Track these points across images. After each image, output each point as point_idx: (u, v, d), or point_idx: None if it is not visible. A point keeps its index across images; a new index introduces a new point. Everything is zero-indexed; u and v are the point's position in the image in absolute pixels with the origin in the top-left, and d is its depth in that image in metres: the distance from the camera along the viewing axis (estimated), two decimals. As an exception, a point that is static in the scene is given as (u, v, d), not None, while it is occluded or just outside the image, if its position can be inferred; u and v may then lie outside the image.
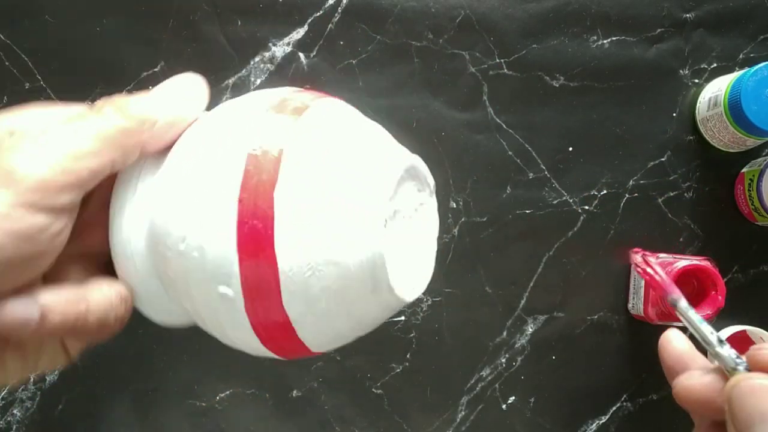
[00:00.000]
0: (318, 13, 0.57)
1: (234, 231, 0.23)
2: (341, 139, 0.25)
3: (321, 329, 0.25)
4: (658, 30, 0.58)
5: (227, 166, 0.24)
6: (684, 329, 0.35)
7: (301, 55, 0.57)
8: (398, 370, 0.58)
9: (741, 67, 0.59)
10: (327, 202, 0.24)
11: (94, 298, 0.26)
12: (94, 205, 0.28)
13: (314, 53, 0.57)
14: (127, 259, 0.27)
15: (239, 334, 0.25)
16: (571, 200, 0.58)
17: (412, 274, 0.27)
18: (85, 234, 0.28)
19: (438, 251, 0.29)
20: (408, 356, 0.58)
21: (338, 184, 0.24)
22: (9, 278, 0.23)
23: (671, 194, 0.59)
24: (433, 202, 0.28)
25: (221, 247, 0.24)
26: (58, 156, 0.24)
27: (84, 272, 0.28)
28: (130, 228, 0.27)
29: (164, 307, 0.28)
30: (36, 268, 0.24)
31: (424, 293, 0.57)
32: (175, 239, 0.25)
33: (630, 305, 0.58)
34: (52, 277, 0.27)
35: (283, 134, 0.24)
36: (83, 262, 0.29)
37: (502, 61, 0.58)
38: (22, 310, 0.24)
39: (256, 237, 0.23)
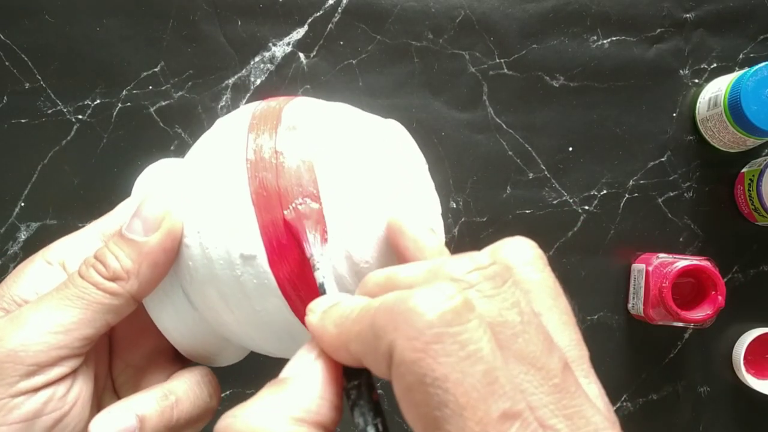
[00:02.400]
0: (318, 13, 0.57)
1: (246, 190, 0.24)
2: (327, 118, 0.26)
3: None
4: (658, 30, 0.58)
5: (230, 151, 0.25)
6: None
7: (301, 55, 0.57)
8: (398, 370, 0.58)
9: (741, 67, 0.59)
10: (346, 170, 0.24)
11: (180, 388, 0.26)
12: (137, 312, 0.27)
13: (314, 53, 0.57)
14: None
15: (267, 302, 0.24)
16: (571, 200, 0.58)
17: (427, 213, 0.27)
18: (142, 337, 0.29)
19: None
20: (408, 356, 0.58)
21: (336, 156, 0.25)
22: None
23: (671, 194, 0.59)
24: (412, 141, 0.29)
25: (237, 208, 0.24)
26: (46, 334, 0.23)
27: (161, 372, 0.29)
28: None
29: (192, 328, 0.27)
30: (66, 426, 0.25)
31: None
32: (192, 227, 0.25)
33: (630, 305, 0.58)
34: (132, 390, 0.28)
35: (273, 138, 0.25)
36: (155, 362, 0.29)
37: (502, 61, 0.58)
38: (121, 422, 0.24)
39: (267, 188, 0.24)
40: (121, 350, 0.29)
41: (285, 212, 0.23)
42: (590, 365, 0.19)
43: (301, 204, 0.23)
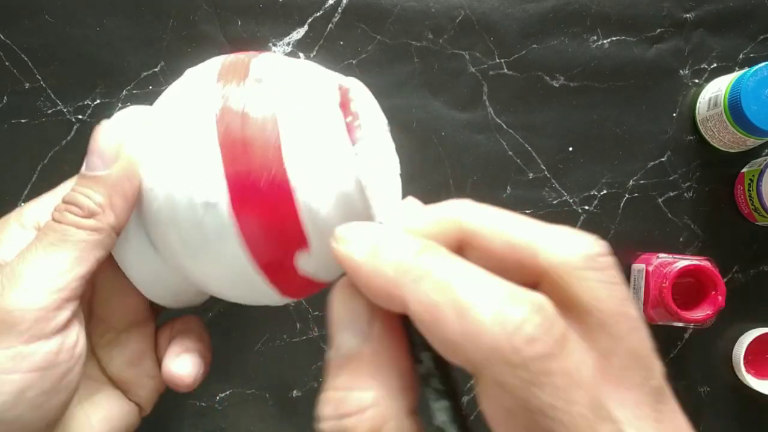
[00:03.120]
0: (318, 13, 0.57)
1: (215, 135, 0.24)
2: (292, 73, 0.26)
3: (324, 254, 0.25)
4: (658, 30, 0.58)
5: (198, 121, 0.25)
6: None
7: (301, 55, 0.57)
8: (398, 370, 0.58)
9: (741, 67, 0.59)
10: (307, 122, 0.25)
11: (200, 326, 0.30)
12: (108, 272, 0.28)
13: (314, 53, 0.57)
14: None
15: (226, 247, 0.25)
16: (571, 200, 0.58)
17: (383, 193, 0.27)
18: (122, 297, 0.29)
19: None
20: (408, 356, 0.58)
21: (298, 108, 0.25)
22: (50, 404, 0.24)
23: (671, 194, 0.59)
24: (373, 100, 0.29)
25: (203, 152, 0.24)
26: (44, 280, 0.24)
27: (140, 331, 0.30)
28: None
29: (154, 269, 0.28)
30: (70, 384, 0.25)
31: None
32: (158, 168, 0.25)
33: (630, 305, 0.58)
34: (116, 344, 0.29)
35: (240, 88, 0.25)
36: (134, 323, 0.30)
37: (502, 61, 0.58)
38: (195, 363, 0.29)
39: (233, 135, 0.24)
40: (102, 313, 0.29)
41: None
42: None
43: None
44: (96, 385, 0.29)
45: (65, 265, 0.24)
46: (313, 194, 0.24)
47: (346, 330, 0.18)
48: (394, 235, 0.18)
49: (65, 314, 0.24)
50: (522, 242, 0.17)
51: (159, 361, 0.30)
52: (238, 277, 0.26)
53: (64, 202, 0.25)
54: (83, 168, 0.26)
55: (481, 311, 0.15)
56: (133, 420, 0.30)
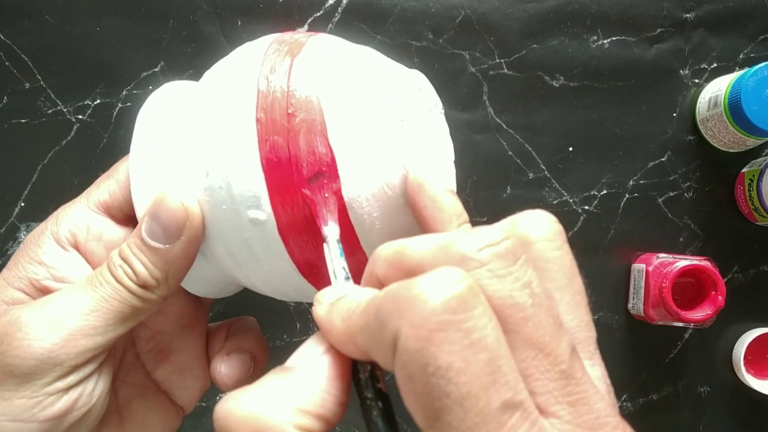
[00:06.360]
0: (318, 13, 0.57)
1: (256, 151, 0.23)
2: (340, 58, 0.25)
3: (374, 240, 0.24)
4: (658, 30, 0.58)
5: (239, 95, 0.24)
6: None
7: (301, 55, 0.57)
8: (398, 370, 0.58)
9: (741, 67, 0.59)
10: (346, 109, 0.23)
11: (255, 324, 0.29)
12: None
13: (314, 53, 0.57)
14: None
15: (275, 264, 0.24)
16: (571, 200, 0.58)
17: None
18: (170, 303, 0.28)
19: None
20: (408, 356, 0.57)
21: (349, 92, 0.24)
22: None
23: (671, 194, 0.59)
24: (439, 115, 0.28)
25: (245, 170, 0.23)
26: (83, 337, 0.23)
27: (189, 333, 0.29)
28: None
29: (198, 270, 0.27)
30: (88, 419, 0.25)
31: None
32: (200, 174, 0.24)
33: (630, 305, 0.58)
34: (162, 353, 0.29)
35: (287, 64, 0.24)
36: (183, 324, 0.29)
37: (502, 61, 0.58)
38: (243, 365, 0.27)
39: (278, 153, 0.23)
40: (150, 320, 0.28)
41: (303, 190, 0.23)
42: (596, 347, 0.19)
43: (319, 182, 0.23)
44: (139, 391, 0.29)
45: (109, 326, 0.24)
46: (357, 187, 0.23)
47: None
48: (345, 292, 0.20)
49: (91, 368, 0.24)
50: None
51: (209, 361, 0.29)
52: (288, 288, 0.25)
53: (121, 257, 0.24)
54: (144, 229, 0.24)
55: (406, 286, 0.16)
56: (175, 423, 0.29)
